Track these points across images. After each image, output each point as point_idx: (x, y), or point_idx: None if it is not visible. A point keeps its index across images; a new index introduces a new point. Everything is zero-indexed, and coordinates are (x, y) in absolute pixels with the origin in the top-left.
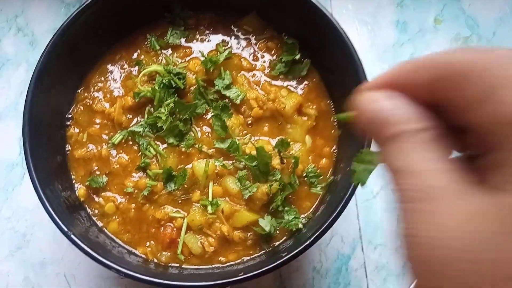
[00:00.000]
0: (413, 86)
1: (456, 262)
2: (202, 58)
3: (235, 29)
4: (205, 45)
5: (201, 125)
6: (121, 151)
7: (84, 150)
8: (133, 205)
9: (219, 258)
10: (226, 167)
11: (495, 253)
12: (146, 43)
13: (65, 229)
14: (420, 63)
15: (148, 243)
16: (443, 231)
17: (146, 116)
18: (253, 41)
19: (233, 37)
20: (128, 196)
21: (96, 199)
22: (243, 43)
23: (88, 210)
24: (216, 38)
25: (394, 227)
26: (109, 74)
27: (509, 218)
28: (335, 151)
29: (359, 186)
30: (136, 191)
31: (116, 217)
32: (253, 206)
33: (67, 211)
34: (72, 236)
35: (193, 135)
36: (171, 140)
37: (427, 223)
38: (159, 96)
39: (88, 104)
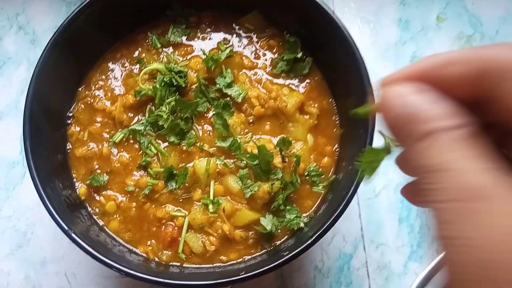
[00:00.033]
0: (447, 80)
1: None
2: (204, 56)
3: (237, 27)
4: (206, 43)
5: (202, 123)
6: (122, 149)
7: (85, 148)
8: (134, 203)
9: (220, 257)
10: (227, 165)
11: None
12: (147, 41)
13: (66, 228)
14: (458, 56)
15: (149, 242)
16: (501, 232)
17: (147, 115)
18: (255, 39)
19: (234, 35)
20: (129, 195)
21: (97, 197)
22: (245, 41)
23: (89, 209)
24: (218, 36)
25: (395, 226)
26: (110, 72)
27: None
28: (337, 149)
29: (364, 181)
30: (137, 189)
31: (117, 216)
32: (255, 205)
33: (67, 209)
34: (73, 235)
35: (194, 133)
36: (172, 139)
37: (482, 224)
38: (160, 94)
39: (89, 102)
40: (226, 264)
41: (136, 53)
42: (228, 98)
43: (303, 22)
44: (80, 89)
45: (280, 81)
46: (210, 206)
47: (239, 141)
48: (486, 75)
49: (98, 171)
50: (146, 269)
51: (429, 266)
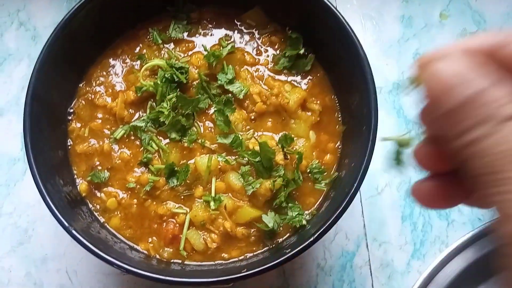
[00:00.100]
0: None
1: None
2: (205, 53)
3: (238, 23)
4: (208, 39)
5: (204, 120)
6: (123, 146)
7: (85, 145)
8: (135, 200)
9: (222, 255)
10: (229, 162)
11: None
12: (148, 37)
13: (66, 224)
14: None
15: (150, 239)
16: None
17: (148, 111)
18: (257, 35)
19: (236, 31)
20: (130, 192)
21: (98, 194)
22: (246, 37)
23: (90, 206)
24: (219, 32)
25: (398, 224)
26: (111, 68)
27: None
28: (339, 146)
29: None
30: (138, 186)
31: (118, 213)
32: (256, 202)
33: (68, 206)
34: (73, 232)
35: (195, 130)
36: (173, 135)
37: None
38: (162, 90)
39: (90, 98)
40: (228, 261)
41: (137, 49)
42: (230, 95)
43: (305, 18)
44: (81, 85)
45: (282, 77)
46: (212, 203)
47: (240, 138)
48: None
49: (99, 167)
50: (147, 266)
51: (432, 264)
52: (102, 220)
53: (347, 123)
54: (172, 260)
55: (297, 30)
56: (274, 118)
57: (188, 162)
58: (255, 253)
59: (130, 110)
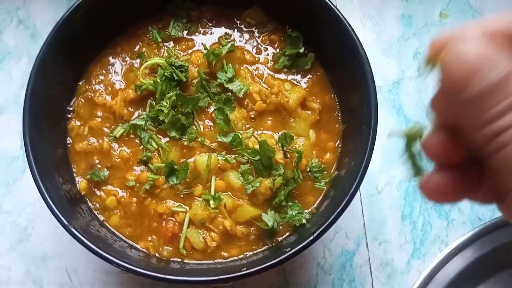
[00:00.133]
0: None
1: None
2: (205, 51)
3: (238, 22)
4: (207, 38)
5: (204, 118)
6: (122, 144)
7: (85, 143)
8: (135, 199)
9: (222, 253)
10: (228, 161)
11: None
12: (148, 35)
13: (66, 223)
14: None
15: (149, 238)
16: None
17: (147, 109)
18: (256, 34)
19: (236, 30)
20: (129, 190)
21: (97, 192)
22: (246, 36)
23: (89, 204)
24: (219, 31)
25: (398, 223)
26: (110, 66)
27: None
28: (339, 145)
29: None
30: (137, 185)
31: (118, 211)
32: (256, 201)
33: (67, 204)
34: (73, 230)
35: (195, 128)
36: (173, 134)
37: None
38: (161, 89)
39: (89, 96)
40: (228, 260)
41: (137, 47)
42: (230, 93)
43: (305, 17)
44: (80, 83)
45: (282, 76)
46: (211, 202)
47: (240, 137)
48: None
49: (99, 166)
50: (146, 265)
51: (432, 263)
52: (101, 218)
53: (347, 122)
54: (171, 259)
55: (297, 28)
56: (274, 116)
57: (188, 161)
58: (254, 252)
59: (130, 108)
